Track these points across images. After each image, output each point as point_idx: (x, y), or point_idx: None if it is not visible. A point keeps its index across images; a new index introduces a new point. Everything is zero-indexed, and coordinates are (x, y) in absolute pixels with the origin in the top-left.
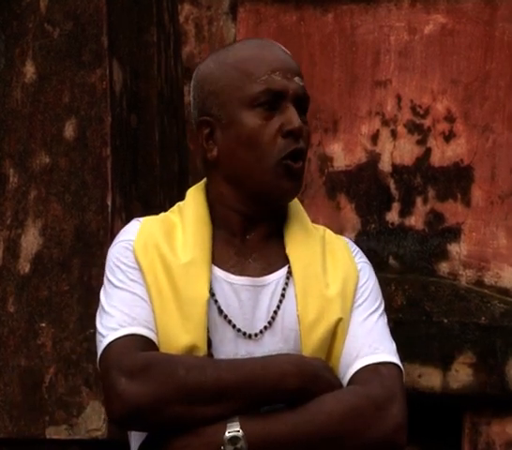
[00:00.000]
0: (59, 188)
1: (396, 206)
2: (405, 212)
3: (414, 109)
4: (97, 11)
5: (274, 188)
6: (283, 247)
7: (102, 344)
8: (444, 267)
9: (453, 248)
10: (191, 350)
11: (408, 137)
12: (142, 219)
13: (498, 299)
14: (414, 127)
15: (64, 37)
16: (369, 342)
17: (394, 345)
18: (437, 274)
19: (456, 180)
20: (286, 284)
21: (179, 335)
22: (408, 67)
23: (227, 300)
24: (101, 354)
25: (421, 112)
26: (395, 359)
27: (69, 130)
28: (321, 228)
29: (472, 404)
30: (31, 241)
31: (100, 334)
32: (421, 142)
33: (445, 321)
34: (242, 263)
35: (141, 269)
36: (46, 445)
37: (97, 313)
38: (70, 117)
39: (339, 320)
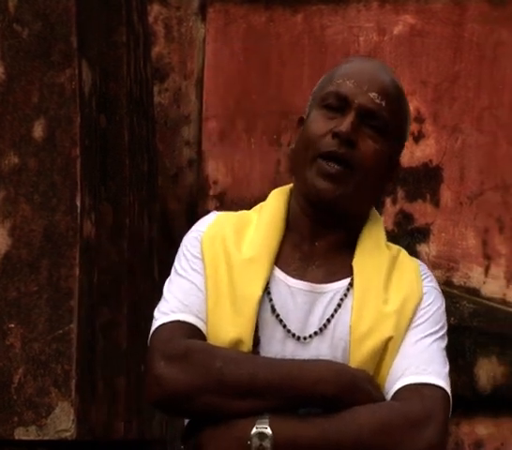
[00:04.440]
0: (28, 189)
1: None
2: None
3: None
4: (66, 11)
5: (310, 186)
6: (351, 259)
7: (153, 327)
8: None
9: (422, 249)
10: (237, 344)
11: None
12: (219, 213)
13: (467, 299)
14: None
15: (33, 37)
16: (418, 363)
17: (446, 369)
18: None
19: (425, 181)
20: (345, 295)
21: (227, 328)
22: None
23: (282, 301)
24: (150, 336)
25: None
26: (442, 383)
27: (38, 131)
28: (395, 247)
29: None
30: None
31: (154, 317)
32: None
33: None
34: (304, 269)
35: (203, 260)
36: (15, 446)
37: (162, 296)
38: (39, 117)
39: (390, 338)
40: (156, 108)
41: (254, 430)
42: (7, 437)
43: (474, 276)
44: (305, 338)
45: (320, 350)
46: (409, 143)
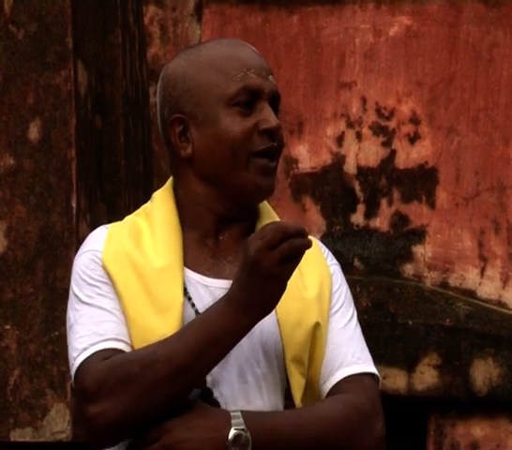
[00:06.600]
0: (24, 190)
1: (361, 208)
2: (370, 214)
3: (379, 111)
4: (61, 12)
5: (248, 185)
6: None
7: (73, 367)
8: (408, 269)
9: (418, 250)
10: None
11: (373, 139)
12: (109, 226)
13: (462, 301)
14: (379, 129)
15: (28, 38)
16: (352, 351)
17: (369, 353)
18: (402, 276)
19: (420, 182)
20: None
21: (156, 340)
22: (373, 69)
23: (204, 303)
24: (74, 379)
25: (386, 113)
26: (374, 369)
27: (34, 132)
28: None
29: (437, 406)
30: None
31: (72, 356)
32: (386, 144)
33: (410, 322)
34: (217, 266)
35: (111, 281)
36: (10, 448)
37: (68, 328)
38: (35, 119)
39: (317, 324)
40: (151, 109)
41: (232, 432)
42: (2, 439)
43: (469, 277)
44: None
45: (251, 347)
46: (405, 145)
